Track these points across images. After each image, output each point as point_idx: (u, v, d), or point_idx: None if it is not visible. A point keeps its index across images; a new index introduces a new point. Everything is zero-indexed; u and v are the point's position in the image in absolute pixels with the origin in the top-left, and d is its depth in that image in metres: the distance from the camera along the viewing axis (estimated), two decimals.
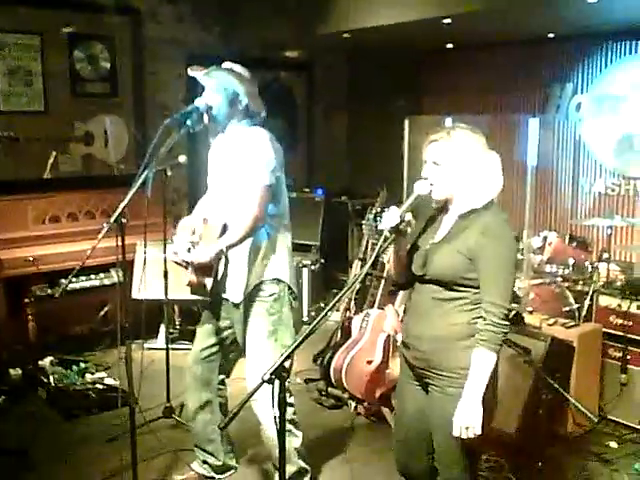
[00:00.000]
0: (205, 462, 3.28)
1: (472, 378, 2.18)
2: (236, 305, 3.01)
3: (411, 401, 2.46)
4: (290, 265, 3.06)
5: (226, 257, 2.92)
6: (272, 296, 2.98)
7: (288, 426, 3.00)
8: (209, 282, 2.95)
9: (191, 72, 2.94)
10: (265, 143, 2.90)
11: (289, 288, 3.04)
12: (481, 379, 2.17)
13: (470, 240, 2.21)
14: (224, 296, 3.04)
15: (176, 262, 2.98)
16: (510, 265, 2.22)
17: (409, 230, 2.37)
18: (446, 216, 2.36)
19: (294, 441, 3.09)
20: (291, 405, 3.07)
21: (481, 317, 2.19)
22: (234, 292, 2.99)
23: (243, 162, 2.88)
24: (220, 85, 2.92)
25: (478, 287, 2.22)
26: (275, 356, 2.91)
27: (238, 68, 2.99)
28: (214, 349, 3.16)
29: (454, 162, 2.23)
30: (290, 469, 3.06)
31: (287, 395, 2.91)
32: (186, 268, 2.92)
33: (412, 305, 2.41)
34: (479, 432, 2.17)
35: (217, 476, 3.31)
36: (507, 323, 2.17)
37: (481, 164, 2.26)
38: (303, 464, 3.15)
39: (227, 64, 3.01)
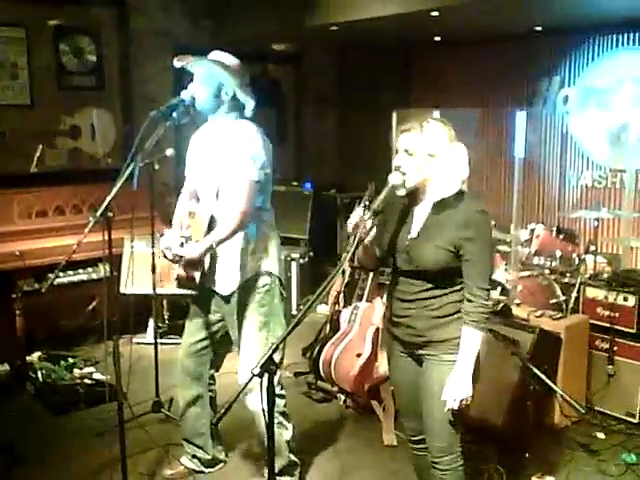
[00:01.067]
0: (194, 456, 3.28)
1: (463, 354, 2.33)
2: (226, 298, 3.00)
3: (405, 373, 2.56)
4: (279, 258, 3.08)
5: (214, 251, 2.92)
6: (264, 287, 2.99)
7: (279, 418, 3.02)
8: (197, 276, 2.94)
9: (177, 63, 2.91)
10: (254, 138, 2.88)
11: (279, 280, 3.04)
12: (471, 355, 2.34)
13: (451, 234, 2.31)
14: (213, 289, 3.03)
15: (166, 257, 2.95)
16: (490, 249, 2.43)
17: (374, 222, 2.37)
18: (418, 208, 2.42)
19: (285, 434, 3.09)
20: (282, 397, 3.08)
21: (468, 300, 2.33)
22: (224, 285, 2.99)
23: (230, 156, 2.87)
24: (206, 76, 2.90)
25: (461, 273, 2.36)
26: (264, 347, 2.93)
27: (226, 58, 2.94)
28: (205, 343, 3.15)
29: (425, 152, 2.30)
30: (280, 462, 3.06)
31: (278, 387, 2.95)
32: (176, 263, 2.91)
33: (398, 291, 2.47)
34: (469, 402, 2.34)
35: (206, 470, 3.32)
36: (491, 302, 2.39)
37: (450, 154, 2.35)
38: (293, 457, 3.16)
39: (215, 53, 2.97)
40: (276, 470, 3.05)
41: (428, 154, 2.31)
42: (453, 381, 2.33)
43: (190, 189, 3.13)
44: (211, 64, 2.90)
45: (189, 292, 3.10)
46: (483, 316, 2.32)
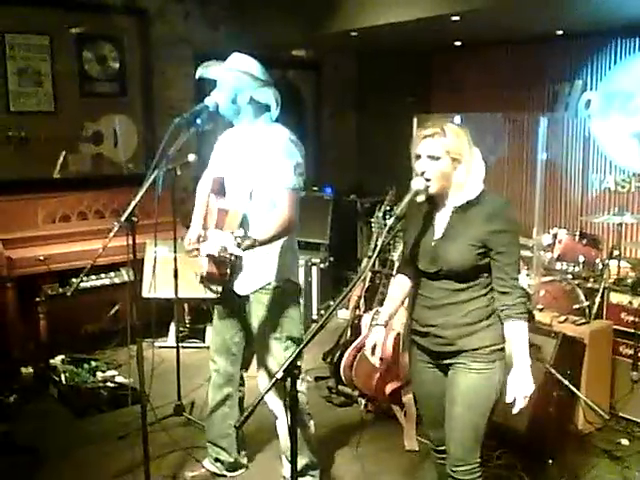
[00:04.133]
0: (217, 459, 3.29)
1: (519, 349, 2.31)
2: (245, 298, 3.03)
3: (431, 385, 2.52)
4: (297, 264, 3.13)
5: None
6: (279, 291, 3.00)
7: (300, 416, 3.02)
8: (227, 272, 2.96)
9: (198, 73, 2.94)
10: (292, 146, 2.89)
11: (296, 285, 3.07)
12: (526, 348, 2.31)
13: (477, 230, 2.31)
14: (233, 289, 3.04)
15: (213, 256, 2.87)
16: (518, 242, 2.40)
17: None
18: (440, 211, 2.41)
19: (306, 432, 3.11)
20: (303, 394, 3.09)
21: (505, 293, 2.31)
22: (243, 285, 3.01)
23: (270, 162, 2.86)
24: (222, 82, 2.92)
25: (488, 272, 2.34)
26: (281, 350, 2.95)
27: (242, 62, 2.95)
28: (235, 340, 3.18)
29: (450, 156, 2.30)
30: (301, 461, 3.07)
31: (300, 382, 2.96)
32: (226, 262, 2.87)
33: (423, 298, 2.44)
34: (532, 391, 2.31)
35: (228, 474, 3.33)
36: (524, 292, 2.41)
37: (472, 157, 2.35)
38: (313, 458, 3.17)
39: (232, 58, 2.97)
40: (298, 469, 3.09)
41: (452, 158, 2.30)
42: (517, 379, 2.30)
43: (209, 186, 3.11)
44: (227, 71, 2.91)
45: (210, 295, 3.12)
46: (525, 306, 2.33)
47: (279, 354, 2.98)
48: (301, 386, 3.07)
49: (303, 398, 3.07)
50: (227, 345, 3.18)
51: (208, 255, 2.88)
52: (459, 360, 2.38)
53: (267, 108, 2.97)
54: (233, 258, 2.76)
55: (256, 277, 2.98)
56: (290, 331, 3.01)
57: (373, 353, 2.51)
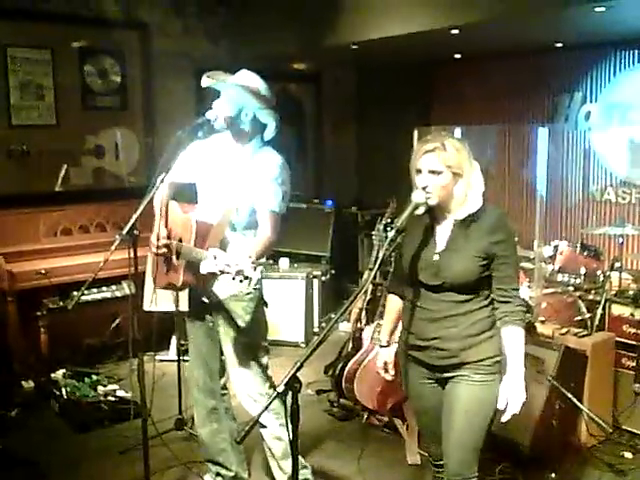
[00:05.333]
0: (218, 474, 3.28)
1: (514, 354, 2.33)
2: (215, 305, 3.02)
3: (430, 400, 2.52)
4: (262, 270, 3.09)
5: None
6: (248, 295, 3.00)
7: (281, 420, 2.99)
8: (200, 282, 2.91)
9: (204, 82, 2.93)
10: (284, 172, 2.92)
11: (260, 290, 3.07)
12: (521, 355, 2.34)
13: (480, 242, 2.33)
14: (205, 295, 3.02)
15: (158, 254, 2.88)
16: (516, 251, 2.46)
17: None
18: (441, 225, 2.43)
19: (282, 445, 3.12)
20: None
21: (505, 302, 2.35)
22: (216, 291, 2.99)
23: (259, 186, 2.88)
24: (229, 96, 2.91)
25: (489, 283, 2.37)
26: (249, 356, 2.99)
27: (251, 80, 2.94)
28: (211, 351, 3.16)
29: (451, 170, 2.31)
30: (289, 467, 3.08)
31: (268, 385, 3.02)
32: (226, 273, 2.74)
33: (422, 311, 2.42)
34: (524, 399, 2.33)
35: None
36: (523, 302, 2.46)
37: (472, 170, 2.37)
38: (302, 459, 3.19)
39: (240, 74, 2.96)
40: (288, 474, 3.08)
41: (454, 173, 2.31)
42: (510, 385, 2.31)
43: (168, 187, 2.99)
44: (235, 87, 2.91)
45: (181, 309, 3.13)
46: (523, 314, 2.36)
47: (248, 360, 3.02)
48: (270, 388, 3.07)
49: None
50: (204, 358, 3.17)
51: (221, 272, 2.59)
52: (461, 372, 2.38)
53: (264, 128, 2.97)
54: (243, 279, 2.55)
55: (229, 284, 2.90)
56: (256, 337, 3.06)
57: (386, 371, 2.63)
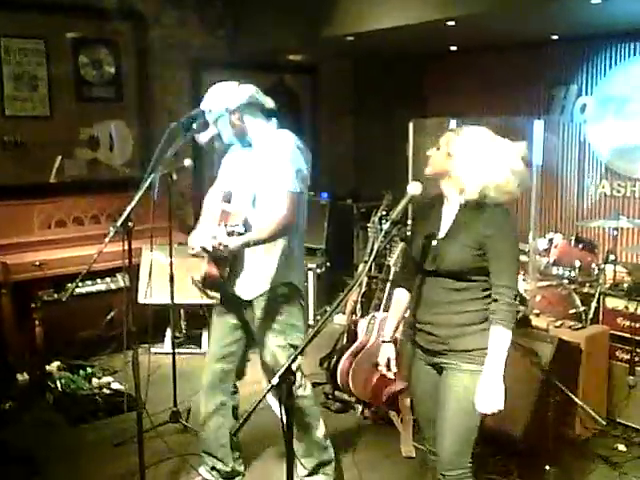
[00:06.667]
0: (213, 468, 3.27)
1: (492, 355, 2.31)
2: (247, 303, 3.02)
3: (425, 382, 2.54)
4: (302, 269, 3.15)
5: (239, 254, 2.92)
6: (283, 296, 3.00)
7: (307, 419, 3.08)
8: (226, 273, 2.96)
9: (201, 139, 3.01)
10: (297, 151, 2.91)
11: (298, 290, 3.06)
12: (501, 355, 2.30)
13: (476, 233, 2.34)
14: (236, 293, 3.04)
15: (205, 250, 2.85)
16: (516, 250, 2.42)
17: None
18: (445, 208, 2.47)
19: (315, 433, 3.13)
20: (305, 398, 3.10)
21: (494, 300, 2.32)
22: (247, 290, 3.01)
23: (272, 166, 2.88)
24: (215, 116, 2.95)
25: (487, 274, 2.35)
26: (284, 356, 2.94)
27: (217, 91, 2.99)
28: (232, 348, 3.15)
29: (446, 150, 2.39)
30: (312, 461, 3.15)
31: (301, 389, 3.03)
32: (215, 255, 2.85)
33: (422, 296, 2.47)
34: (501, 407, 2.30)
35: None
36: (517, 303, 2.37)
37: (474, 160, 2.36)
38: (325, 456, 3.19)
39: (207, 95, 3.00)
40: (309, 470, 3.14)
41: (448, 153, 2.38)
42: (484, 386, 2.30)
43: (220, 190, 3.11)
44: (208, 112, 2.95)
45: (209, 300, 3.11)
46: (510, 315, 2.30)
47: (283, 362, 2.96)
48: (305, 390, 3.10)
49: (308, 402, 3.10)
50: (223, 353, 3.15)
51: (202, 248, 2.81)
52: (451, 360, 2.40)
53: (269, 114, 2.99)
54: (222, 248, 2.72)
55: (258, 281, 2.98)
56: (293, 339, 3.01)
57: (389, 369, 2.59)
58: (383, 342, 2.64)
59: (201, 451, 3.31)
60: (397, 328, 2.66)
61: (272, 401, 3.02)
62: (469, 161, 2.35)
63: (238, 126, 2.96)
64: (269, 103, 3.02)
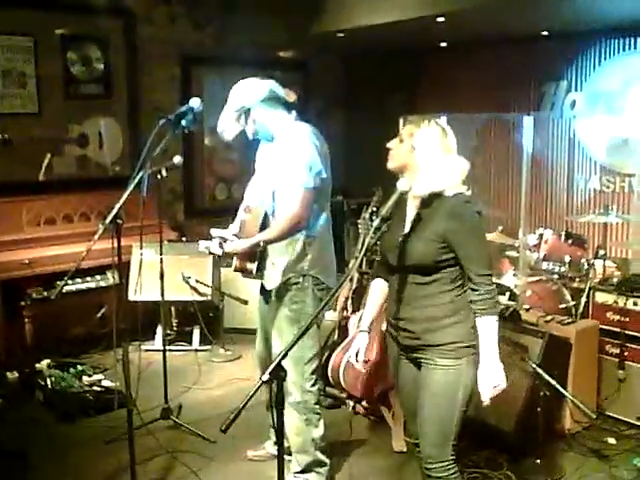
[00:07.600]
0: (275, 443, 3.29)
1: (485, 344, 2.35)
2: (270, 292, 3.14)
3: (406, 377, 2.56)
4: (328, 260, 3.18)
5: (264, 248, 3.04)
6: (297, 285, 3.06)
7: (307, 415, 3.12)
8: (252, 267, 3.10)
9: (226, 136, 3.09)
10: (307, 144, 2.95)
11: (317, 281, 3.09)
12: (493, 342, 2.36)
13: (438, 226, 2.35)
14: (262, 283, 3.18)
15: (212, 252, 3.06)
16: (481, 235, 2.42)
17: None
18: (410, 203, 2.46)
19: (313, 431, 3.15)
20: (311, 393, 3.14)
21: (472, 289, 2.35)
22: (268, 280, 3.13)
23: (286, 161, 2.95)
24: (239, 113, 3.01)
25: (454, 265, 2.37)
26: (298, 345, 2.96)
27: (234, 94, 3.04)
28: (269, 332, 3.23)
29: (410, 143, 2.39)
30: (306, 459, 3.15)
31: (309, 384, 3.12)
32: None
33: (394, 291, 2.49)
34: (504, 385, 2.38)
35: (288, 457, 3.31)
36: (495, 287, 2.38)
37: (435, 156, 2.37)
38: (320, 456, 3.19)
39: (230, 96, 3.05)
40: (302, 467, 3.16)
41: (411, 145, 2.38)
42: (484, 372, 2.35)
43: (255, 187, 3.25)
44: (229, 112, 3.02)
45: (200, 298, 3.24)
46: (491, 301, 2.34)
47: (295, 354, 2.98)
48: (313, 386, 3.15)
49: (311, 398, 3.14)
50: (265, 336, 3.28)
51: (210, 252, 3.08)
52: (426, 355, 2.42)
53: (289, 107, 3.06)
54: (217, 258, 3.04)
55: (277, 272, 3.06)
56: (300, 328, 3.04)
57: (357, 359, 2.58)
58: (360, 332, 2.62)
59: (269, 426, 3.38)
60: (376, 317, 2.65)
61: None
62: (431, 154, 2.37)
63: (261, 121, 3.02)
64: (290, 96, 3.07)
